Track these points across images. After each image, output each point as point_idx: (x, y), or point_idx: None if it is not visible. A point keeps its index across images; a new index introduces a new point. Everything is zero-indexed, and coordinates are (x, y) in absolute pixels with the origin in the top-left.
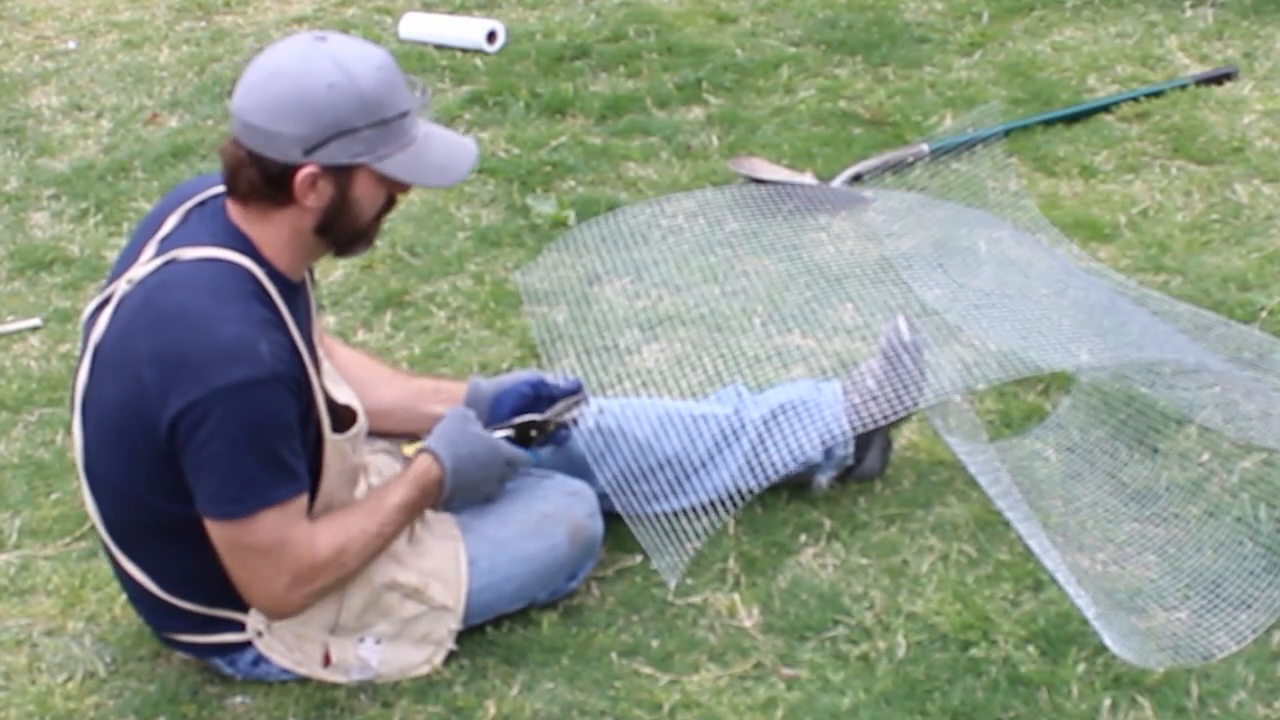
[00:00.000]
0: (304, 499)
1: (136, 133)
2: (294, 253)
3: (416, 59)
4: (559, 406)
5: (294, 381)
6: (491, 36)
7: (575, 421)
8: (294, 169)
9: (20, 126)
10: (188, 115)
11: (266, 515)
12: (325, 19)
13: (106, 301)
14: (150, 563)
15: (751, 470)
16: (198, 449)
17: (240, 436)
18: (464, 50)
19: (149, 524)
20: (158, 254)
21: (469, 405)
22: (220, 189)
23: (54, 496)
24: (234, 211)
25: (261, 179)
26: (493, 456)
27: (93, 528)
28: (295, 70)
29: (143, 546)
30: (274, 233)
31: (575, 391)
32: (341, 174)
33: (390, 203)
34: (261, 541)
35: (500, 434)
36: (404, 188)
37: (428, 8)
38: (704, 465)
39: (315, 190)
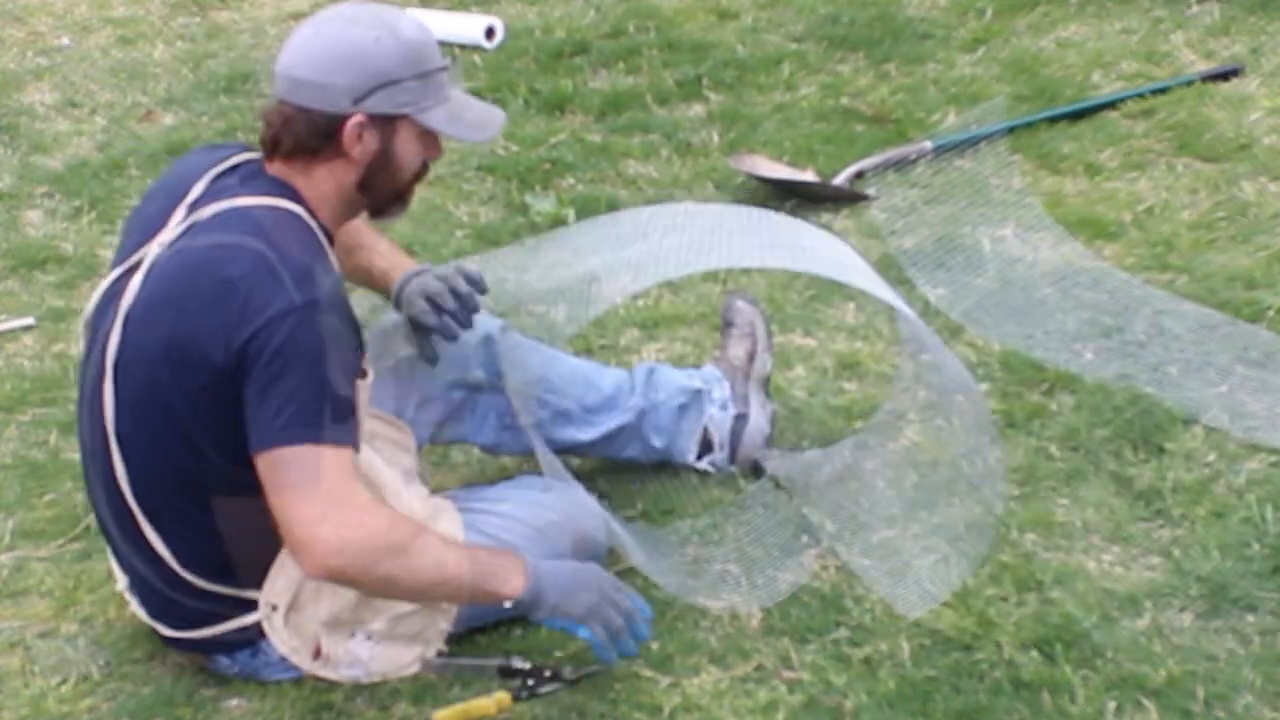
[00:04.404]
0: (355, 456)
1: (131, 130)
2: (334, 207)
3: None
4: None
5: (347, 311)
6: (490, 33)
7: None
8: (343, 119)
9: (14, 124)
10: (183, 112)
11: (324, 451)
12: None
13: (133, 269)
14: (174, 531)
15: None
16: (263, 370)
17: (307, 359)
18: (462, 46)
19: (181, 485)
20: (188, 216)
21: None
22: (245, 157)
23: (48, 498)
24: (275, 170)
25: (309, 132)
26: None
27: (87, 528)
28: (341, 26)
29: (169, 513)
30: (317, 186)
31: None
32: (386, 125)
33: (424, 168)
34: (317, 471)
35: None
36: (438, 149)
37: (425, 4)
38: (601, 408)
39: (362, 141)
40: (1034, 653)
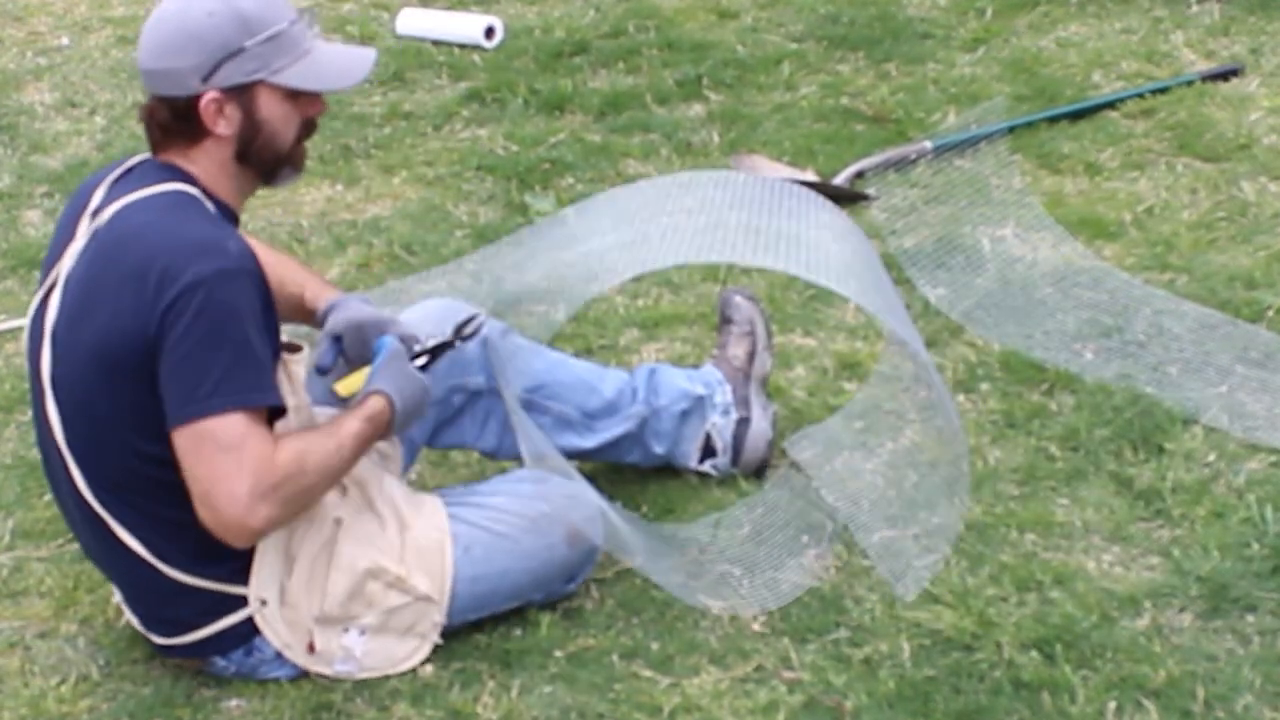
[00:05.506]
0: (267, 414)
1: (130, 130)
2: (226, 185)
3: (414, 55)
4: (471, 326)
5: (259, 279)
6: (490, 32)
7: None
8: (197, 99)
9: (13, 124)
10: None
11: (236, 415)
12: (320, 15)
13: (52, 288)
14: (145, 527)
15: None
16: (174, 347)
17: (215, 330)
18: (462, 46)
19: (139, 484)
20: (91, 223)
21: (324, 321)
22: (141, 158)
23: (48, 498)
24: (165, 161)
25: (172, 118)
26: (424, 395)
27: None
28: (176, 9)
29: (135, 513)
30: (203, 168)
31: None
32: (243, 95)
33: (309, 126)
34: (226, 437)
35: (419, 362)
36: (314, 104)
37: (425, 3)
38: (603, 412)
39: (224, 116)
40: (1034, 653)
